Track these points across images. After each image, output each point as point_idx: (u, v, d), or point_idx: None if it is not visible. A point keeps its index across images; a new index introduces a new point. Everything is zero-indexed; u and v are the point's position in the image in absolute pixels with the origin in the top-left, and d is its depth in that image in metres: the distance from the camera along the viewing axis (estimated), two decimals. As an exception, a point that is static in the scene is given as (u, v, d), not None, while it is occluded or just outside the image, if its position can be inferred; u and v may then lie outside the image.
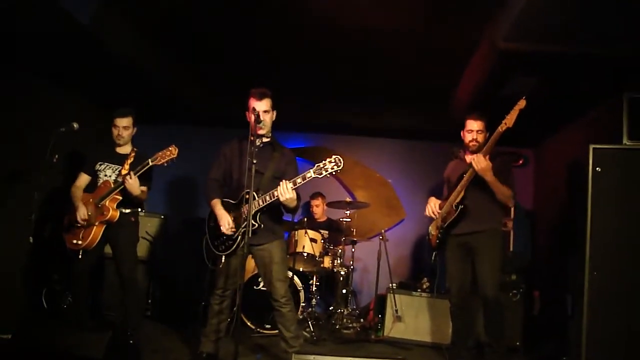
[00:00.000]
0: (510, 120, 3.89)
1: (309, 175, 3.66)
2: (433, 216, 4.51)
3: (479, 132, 4.30)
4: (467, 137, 4.36)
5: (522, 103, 3.86)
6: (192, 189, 7.34)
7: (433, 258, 4.69)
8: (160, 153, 4.18)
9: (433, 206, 4.51)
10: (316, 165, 3.63)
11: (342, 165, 3.59)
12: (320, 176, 3.62)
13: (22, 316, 4.81)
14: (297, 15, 4.27)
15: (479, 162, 4.03)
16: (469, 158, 4.32)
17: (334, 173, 3.61)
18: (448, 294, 5.27)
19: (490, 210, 4.24)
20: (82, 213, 4.35)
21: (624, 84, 4.34)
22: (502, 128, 3.93)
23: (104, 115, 4.65)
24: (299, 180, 3.70)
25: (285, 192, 3.69)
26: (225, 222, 3.94)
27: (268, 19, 4.41)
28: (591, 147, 4.16)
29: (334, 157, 3.60)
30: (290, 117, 4.52)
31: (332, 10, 4.16)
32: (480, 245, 4.20)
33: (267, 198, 3.79)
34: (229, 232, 3.92)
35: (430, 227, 4.61)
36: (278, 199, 3.73)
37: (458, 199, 4.26)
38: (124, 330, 4.34)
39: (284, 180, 3.73)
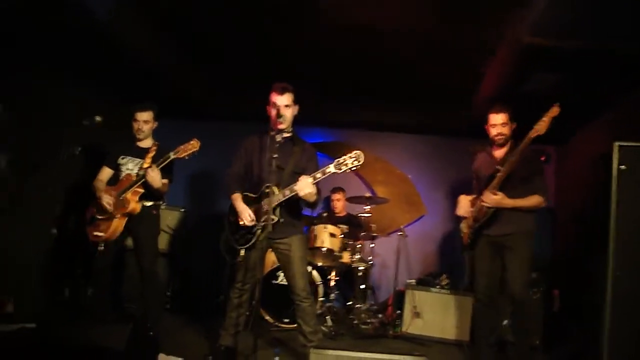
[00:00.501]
0: (542, 127, 3.79)
1: (328, 170, 3.66)
2: (465, 216, 4.46)
3: (504, 124, 4.23)
4: (492, 131, 4.29)
5: (555, 110, 3.76)
6: (212, 183, 7.37)
7: (464, 254, 4.63)
8: (182, 146, 4.20)
9: (465, 205, 4.46)
10: (336, 160, 3.63)
11: (362, 161, 3.57)
12: (340, 171, 3.61)
13: (45, 307, 4.88)
14: (321, 13, 4.26)
15: (488, 200, 4.10)
16: (496, 153, 4.30)
17: (354, 168, 3.60)
18: (470, 290, 5.29)
19: (522, 212, 4.15)
20: (107, 198, 4.38)
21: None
22: (532, 134, 3.83)
23: (127, 111, 4.67)
24: (318, 175, 3.70)
25: (305, 186, 3.69)
26: (247, 214, 3.96)
27: (291, 17, 4.40)
28: (616, 144, 4.11)
29: (354, 152, 3.58)
30: (311, 112, 4.50)
31: (355, 8, 4.15)
32: (512, 245, 4.14)
33: (287, 192, 3.79)
34: (249, 224, 3.93)
35: (462, 225, 4.54)
36: (297, 193, 3.73)
37: None
38: (144, 323, 4.38)
39: (304, 175, 3.73)
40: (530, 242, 4.17)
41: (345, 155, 3.60)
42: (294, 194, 3.76)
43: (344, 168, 3.60)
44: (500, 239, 4.19)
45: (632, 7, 3.51)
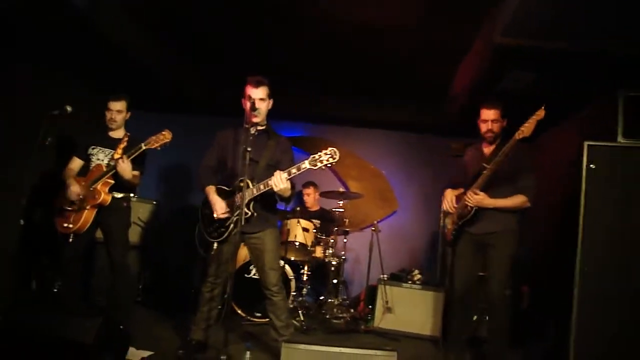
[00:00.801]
0: (528, 129, 3.76)
1: (303, 166, 3.65)
2: (450, 211, 4.45)
3: (494, 121, 4.17)
4: (482, 127, 4.24)
5: (540, 113, 3.73)
6: (185, 176, 7.31)
7: (443, 249, 4.62)
8: (153, 137, 4.16)
9: (449, 201, 4.44)
10: (311, 156, 3.62)
11: (337, 158, 3.57)
12: (315, 167, 3.61)
13: (11, 300, 4.79)
14: (297, 9, 4.25)
15: (471, 200, 4.11)
16: (486, 150, 4.26)
17: (329, 165, 3.60)
18: (442, 286, 5.33)
19: (507, 211, 4.14)
20: (75, 190, 4.32)
21: (618, 81, 4.35)
22: (518, 136, 3.81)
23: (99, 102, 4.61)
24: (293, 171, 3.69)
25: (280, 182, 3.68)
26: (219, 207, 3.94)
27: (268, 10, 4.39)
28: (586, 144, 4.17)
29: (329, 149, 3.58)
30: (286, 107, 4.50)
31: (332, 5, 4.14)
32: (494, 243, 4.14)
33: (261, 187, 3.77)
34: (222, 217, 3.91)
35: (446, 220, 4.55)
36: (272, 188, 3.73)
37: None
38: (114, 316, 4.33)
39: (278, 171, 3.71)
40: (512, 242, 4.15)
41: (321, 151, 3.59)
42: (268, 188, 3.75)
43: (319, 164, 3.59)
44: (483, 237, 4.20)
45: (604, 8, 3.56)
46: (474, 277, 4.31)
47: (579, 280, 4.08)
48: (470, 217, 4.20)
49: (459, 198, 4.39)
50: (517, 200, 4.09)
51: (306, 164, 3.63)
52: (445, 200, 4.48)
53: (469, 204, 4.15)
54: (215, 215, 3.95)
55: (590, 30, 3.90)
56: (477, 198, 4.08)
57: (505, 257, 4.13)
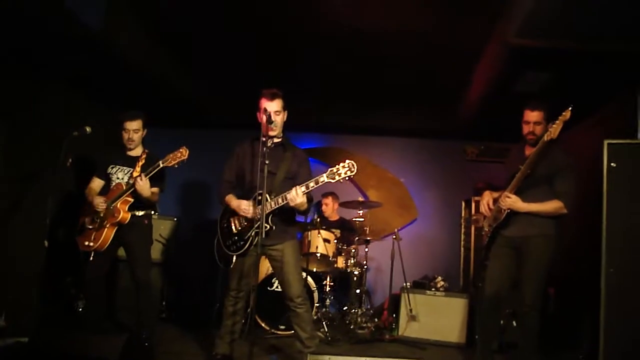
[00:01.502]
0: (554, 131, 3.66)
1: (321, 179, 3.65)
2: (486, 213, 4.34)
3: (537, 123, 4.01)
4: (525, 128, 4.09)
5: (567, 114, 3.63)
6: (204, 192, 7.36)
7: (483, 254, 4.51)
8: (171, 155, 4.18)
9: (486, 203, 4.33)
10: (329, 170, 3.62)
11: (355, 171, 3.57)
12: (333, 181, 3.61)
13: (38, 319, 4.84)
14: (309, 18, 4.27)
15: (504, 202, 4.00)
16: (527, 152, 4.09)
17: (347, 178, 3.60)
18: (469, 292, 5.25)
19: (542, 215, 4.00)
20: (99, 200, 4.34)
21: (637, 79, 4.30)
22: (547, 138, 3.72)
23: (117, 119, 4.66)
24: (311, 185, 3.69)
25: (296, 197, 3.69)
26: (245, 205, 3.93)
27: (280, 21, 4.41)
28: (606, 142, 4.12)
29: (347, 162, 3.58)
30: (302, 118, 4.52)
31: (345, 12, 4.15)
32: (529, 248, 4.01)
33: (280, 201, 3.78)
34: (250, 215, 3.90)
35: (484, 223, 4.43)
36: (289, 203, 3.73)
37: None
38: (138, 333, 4.35)
39: (296, 186, 3.72)
40: (548, 248, 4.00)
41: (339, 164, 3.59)
42: (285, 202, 3.76)
43: (337, 177, 3.60)
44: (517, 241, 4.08)
45: (621, 6, 3.53)
46: (506, 282, 4.18)
47: (605, 281, 4.01)
48: (503, 219, 4.11)
49: (496, 200, 4.28)
50: (552, 205, 3.94)
51: (324, 178, 3.64)
52: (482, 203, 4.38)
53: (502, 207, 4.06)
54: (239, 224, 3.96)
55: (606, 28, 3.86)
56: (509, 201, 3.99)
57: (540, 263, 4.00)
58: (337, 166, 3.60)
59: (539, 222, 3.99)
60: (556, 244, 4.01)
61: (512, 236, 4.11)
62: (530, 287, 3.99)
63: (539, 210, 3.95)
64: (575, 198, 3.93)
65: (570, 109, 3.63)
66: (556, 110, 3.71)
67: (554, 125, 3.68)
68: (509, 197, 3.98)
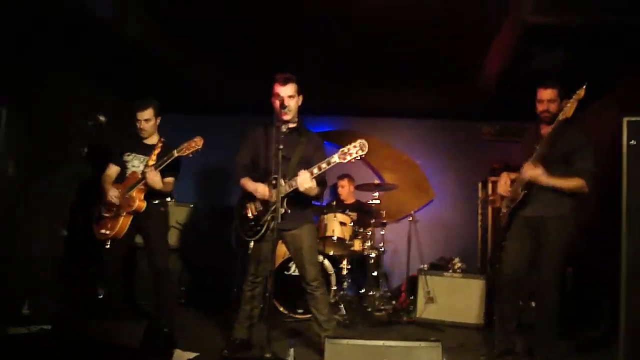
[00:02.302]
0: (569, 110, 3.64)
1: (333, 160, 3.64)
2: (504, 194, 4.29)
3: (551, 101, 3.98)
4: (539, 107, 4.05)
5: (581, 92, 3.61)
6: (220, 178, 7.37)
7: (501, 236, 4.49)
8: (185, 144, 4.17)
9: (504, 184, 4.28)
10: (340, 150, 3.61)
11: (366, 150, 3.55)
12: (344, 161, 3.59)
13: (60, 308, 4.91)
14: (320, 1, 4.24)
15: (527, 171, 3.92)
16: (543, 130, 4.05)
17: (358, 158, 3.57)
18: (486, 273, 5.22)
19: (561, 195, 3.95)
20: (112, 194, 4.37)
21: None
22: (561, 117, 3.69)
23: (131, 107, 4.67)
24: (323, 166, 3.68)
25: (304, 181, 3.68)
26: (261, 189, 3.93)
27: (293, 2, 4.38)
28: (625, 120, 4.04)
29: (358, 141, 3.56)
30: (316, 101, 4.48)
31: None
32: (546, 228, 3.98)
33: (293, 183, 3.76)
34: (267, 197, 3.90)
35: (502, 204, 4.40)
36: (298, 188, 3.73)
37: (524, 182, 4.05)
38: (158, 319, 4.40)
39: (302, 170, 3.71)
40: (566, 228, 3.99)
41: (350, 144, 3.57)
42: (294, 188, 3.76)
43: (348, 157, 3.58)
44: (535, 221, 4.05)
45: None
46: (524, 262, 4.14)
47: (626, 260, 3.96)
48: (520, 200, 4.07)
49: (513, 181, 4.24)
50: (574, 183, 3.89)
51: (335, 158, 3.62)
52: (500, 183, 4.33)
53: (524, 176, 3.96)
54: (255, 208, 3.97)
55: (623, 2, 3.79)
56: (536, 172, 3.89)
57: (558, 244, 3.97)
58: (347, 146, 3.58)
59: (557, 202, 3.96)
60: (574, 225, 3.99)
61: (529, 216, 4.08)
62: (548, 267, 3.97)
63: (561, 186, 3.90)
64: (595, 176, 3.89)
65: (584, 87, 3.60)
66: (573, 87, 3.66)
67: (568, 104, 3.66)
68: (536, 166, 3.88)
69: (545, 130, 4.00)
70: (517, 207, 4.14)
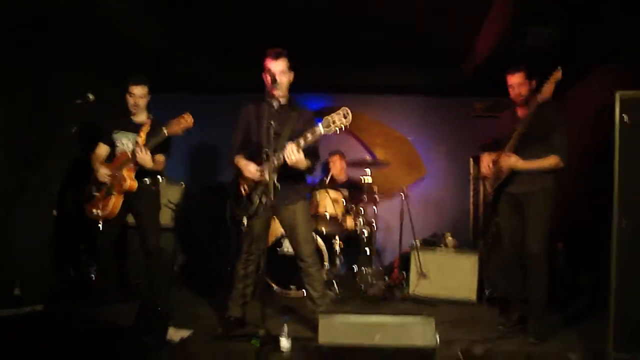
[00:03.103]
0: (547, 92, 3.87)
1: (318, 130, 3.60)
2: (487, 174, 4.56)
3: (520, 84, 4.22)
4: (511, 92, 4.31)
5: (557, 74, 3.82)
6: (212, 156, 7.33)
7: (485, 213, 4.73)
8: (174, 120, 4.11)
9: (486, 165, 4.53)
10: (324, 119, 3.57)
11: (350, 117, 3.52)
12: (329, 130, 3.56)
13: (51, 288, 4.89)
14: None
15: (504, 162, 4.20)
16: (520, 112, 4.32)
17: (342, 127, 3.54)
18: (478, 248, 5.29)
19: (541, 170, 4.20)
20: (102, 173, 4.34)
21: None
22: (540, 99, 3.92)
23: (117, 90, 4.60)
24: (308, 137, 3.64)
25: (291, 154, 3.63)
26: (252, 168, 3.91)
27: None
28: (617, 94, 4.02)
29: (341, 109, 3.53)
30: (307, 78, 4.44)
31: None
32: (529, 202, 4.22)
33: (281, 157, 3.72)
34: (257, 177, 3.88)
35: (486, 185, 4.69)
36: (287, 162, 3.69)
37: None
38: (151, 298, 4.39)
39: (289, 143, 3.67)
40: (548, 200, 4.21)
41: (333, 113, 3.54)
42: (283, 162, 3.72)
43: (332, 126, 3.54)
44: (520, 197, 4.28)
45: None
46: (518, 236, 4.33)
47: (617, 235, 3.97)
48: (505, 178, 4.29)
49: (495, 162, 4.44)
50: (550, 161, 4.14)
51: (320, 128, 3.59)
52: (482, 165, 4.58)
53: (502, 168, 4.23)
54: (247, 184, 3.94)
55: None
56: (510, 161, 4.16)
57: (541, 215, 4.19)
58: (331, 115, 3.56)
59: (538, 177, 4.20)
60: (555, 196, 4.23)
61: (514, 192, 4.33)
62: (533, 239, 4.18)
63: (538, 167, 4.17)
64: (569, 153, 4.14)
65: (559, 69, 3.81)
66: (566, 62, 3.68)
67: (545, 86, 3.87)
68: (509, 156, 4.17)
69: (522, 111, 4.29)
70: (502, 184, 4.36)
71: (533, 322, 4.18)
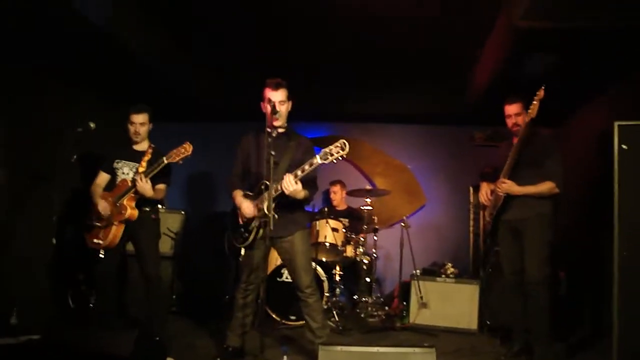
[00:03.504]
0: (533, 111, 3.97)
1: (315, 161, 3.62)
2: (485, 203, 4.59)
3: (518, 114, 4.30)
4: (508, 122, 4.39)
5: (540, 93, 3.93)
6: (211, 184, 7.35)
7: (487, 240, 4.75)
8: (174, 150, 4.17)
9: (485, 194, 4.57)
10: (322, 151, 3.58)
11: (347, 149, 3.52)
12: (327, 162, 3.57)
13: (49, 317, 4.86)
14: (311, 5, 4.22)
15: (500, 188, 4.26)
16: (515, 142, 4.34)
17: (340, 158, 3.56)
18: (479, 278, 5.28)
19: (537, 197, 4.22)
20: (103, 207, 4.36)
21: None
22: (527, 118, 4.02)
23: (120, 114, 4.65)
24: (306, 168, 3.65)
25: (289, 184, 3.65)
26: (246, 206, 3.91)
27: (283, 8, 4.37)
28: (616, 124, 4.06)
29: (339, 141, 3.54)
30: (307, 107, 4.47)
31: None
32: (527, 229, 4.23)
33: (279, 187, 3.73)
34: (251, 215, 3.88)
35: (485, 214, 4.69)
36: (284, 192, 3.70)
37: None
38: (149, 327, 4.36)
39: (287, 174, 3.69)
40: (545, 226, 4.22)
41: (331, 145, 3.56)
42: (280, 192, 3.73)
43: (329, 157, 3.55)
44: (517, 224, 4.30)
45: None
46: (518, 265, 4.32)
47: (619, 263, 3.96)
48: (501, 204, 4.32)
49: (493, 191, 4.48)
50: (545, 186, 4.18)
51: (317, 159, 3.60)
52: (481, 193, 4.61)
53: (499, 193, 4.28)
54: (245, 217, 3.94)
55: (613, 7, 3.80)
56: (505, 186, 4.22)
57: (539, 241, 4.19)
58: (329, 147, 3.56)
59: (533, 203, 4.23)
60: (553, 222, 4.27)
61: (510, 219, 4.36)
62: (533, 265, 4.17)
63: (534, 192, 4.20)
64: (564, 179, 4.19)
65: (543, 87, 3.93)
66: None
67: (530, 107, 3.98)
68: (504, 182, 4.23)
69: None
70: (499, 211, 4.40)
71: (539, 351, 4.13)
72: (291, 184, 3.64)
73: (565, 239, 6.13)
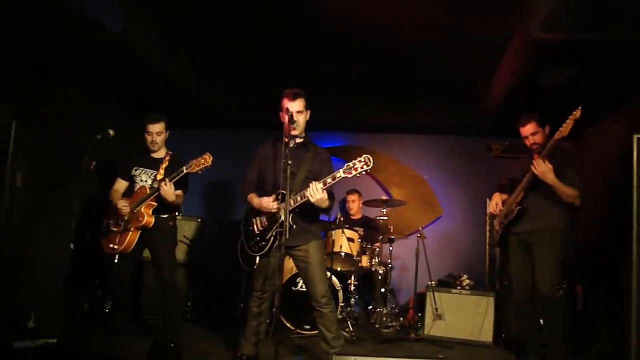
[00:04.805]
0: (565, 130, 3.88)
1: (338, 175, 3.62)
2: (495, 213, 4.60)
3: (534, 134, 4.28)
4: (526, 142, 4.38)
5: (577, 113, 3.84)
6: (227, 192, 7.38)
7: (495, 250, 4.73)
8: (194, 161, 4.19)
9: (495, 204, 4.57)
10: (346, 164, 3.60)
11: (371, 165, 3.54)
12: (350, 176, 3.58)
13: (65, 321, 4.89)
14: (327, 15, 4.24)
15: (538, 166, 4.09)
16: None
17: (363, 173, 3.56)
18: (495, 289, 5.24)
19: (550, 210, 4.19)
20: (123, 204, 4.39)
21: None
22: (557, 136, 3.94)
23: (138, 122, 4.70)
24: (328, 180, 3.66)
25: (315, 193, 3.65)
26: (265, 200, 3.92)
27: (300, 20, 4.39)
28: (635, 137, 4.04)
29: (364, 156, 3.55)
30: (324, 117, 4.48)
31: (363, 8, 4.11)
32: (538, 242, 4.20)
33: (298, 199, 3.75)
34: (274, 210, 3.88)
35: (495, 222, 4.70)
36: (309, 199, 3.71)
37: (518, 199, 4.34)
38: (164, 334, 4.38)
39: (314, 182, 3.70)
40: (556, 240, 4.17)
41: (355, 159, 3.57)
42: (304, 200, 3.74)
43: (353, 172, 3.57)
44: (527, 237, 4.27)
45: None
46: (528, 278, 4.29)
47: (637, 278, 3.92)
48: (514, 216, 4.32)
49: (505, 202, 4.47)
50: (571, 190, 4.10)
51: (341, 173, 3.61)
52: (492, 203, 4.60)
53: (535, 171, 4.11)
54: (263, 224, 3.95)
55: (631, 19, 3.77)
56: (546, 168, 4.05)
57: (549, 256, 4.15)
58: (353, 161, 3.58)
59: (546, 215, 4.20)
60: (566, 236, 4.22)
61: (521, 232, 4.35)
62: (544, 279, 4.13)
63: (562, 189, 4.08)
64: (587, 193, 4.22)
65: (580, 107, 3.82)
66: (582, 104, 3.69)
67: (564, 125, 3.88)
68: (545, 162, 4.05)
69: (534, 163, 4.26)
70: (510, 223, 4.39)
71: None
72: (318, 192, 3.65)
73: (582, 253, 6.07)
